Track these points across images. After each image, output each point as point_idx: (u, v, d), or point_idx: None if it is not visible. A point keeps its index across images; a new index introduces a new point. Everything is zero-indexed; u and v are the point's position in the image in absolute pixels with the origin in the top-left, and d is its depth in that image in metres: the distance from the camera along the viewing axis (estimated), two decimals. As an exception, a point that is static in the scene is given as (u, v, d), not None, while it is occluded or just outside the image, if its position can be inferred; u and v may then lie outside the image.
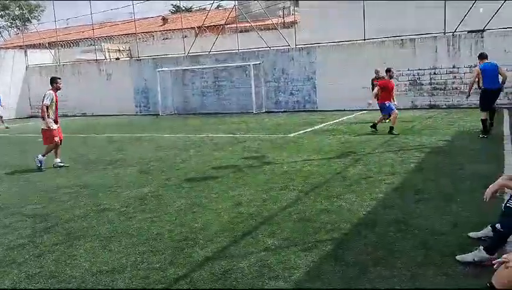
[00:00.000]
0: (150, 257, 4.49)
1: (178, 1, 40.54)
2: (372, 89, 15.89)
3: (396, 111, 12.52)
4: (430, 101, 19.32)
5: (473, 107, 16.84)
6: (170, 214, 5.92)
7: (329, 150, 10.23)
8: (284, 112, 21.86)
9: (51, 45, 30.62)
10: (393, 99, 12.78)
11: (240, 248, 4.60)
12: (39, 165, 9.74)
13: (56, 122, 10.01)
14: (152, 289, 3.84)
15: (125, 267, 4.27)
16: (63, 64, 28.81)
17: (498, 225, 3.85)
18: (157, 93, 24.54)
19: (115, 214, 6.06)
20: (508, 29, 17.80)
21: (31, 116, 28.93)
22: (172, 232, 5.21)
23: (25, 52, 29.81)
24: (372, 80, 16.12)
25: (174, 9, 46.02)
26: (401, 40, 19.79)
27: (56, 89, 9.94)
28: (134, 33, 28.82)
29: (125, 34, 32.72)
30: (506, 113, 14.63)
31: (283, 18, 30.18)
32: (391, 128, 12.27)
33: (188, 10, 43.28)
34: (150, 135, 15.38)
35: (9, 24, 53.17)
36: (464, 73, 18.52)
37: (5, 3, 48.83)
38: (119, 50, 32.24)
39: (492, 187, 3.93)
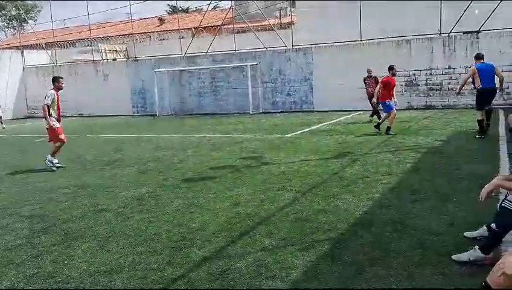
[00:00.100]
0: (147, 257, 4.50)
1: (175, 0, 40.34)
2: (367, 90, 16.00)
3: (395, 111, 12.53)
4: (426, 102, 19.41)
5: (469, 107, 16.93)
6: (168, 215, 5.93)
7: (326, 151, 10.26)
8: (281, 112, 21.89)
9: (47, 46, 30.56)
10: (393, 97, 12.75)
11: (237, 248, 4.62)
12: (51, 165, 9.71)
13: (59, 121, 10.00)
14: (150, 289, 3.86)
15: (123, 268, 4.28)
16: (60, 65, 28.78)
17: (493, 225, 3.88)
18: (154, 93, 24.55)
19: (113, 215, 6.07)
20: (503, 30, 17.90)
21: (28, 117, 28.90)
22: (170, 232, 5.22)
23: (22, 52, 29.76)
24: (364, 80, 16.15)
25: (171, 10, 46.02)
26: (397, 40, 19.87)
27: (58, 88, 9.92)
28: (131, 34, 28.81)
29: (122, 35, 32.69)
30: (501, 113, 14.70)
31: (280, 19, 30.22)
32: (388, 128, 12.29)
33: (185, 11, 43.28)
34: (147, 136, 15.38)
35: (5, 24, 53.10)
36: (460, 74, 18.59)
37: (2, 4, 48.72)
38: (116, 51, 32.22)
39: (487, 187, 3.96)
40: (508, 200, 3.79)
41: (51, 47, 30.59)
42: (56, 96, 9.84)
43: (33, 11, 52.20)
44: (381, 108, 13.14)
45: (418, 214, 5.36)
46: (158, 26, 37.58)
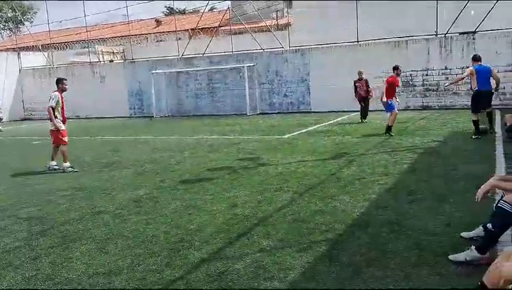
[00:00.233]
0: (146, 259, 4.51)
1: (173, 0, 40.28)
2: (355, 91, 16.06)
3: (397, 111, 12.50)
4: (423, 102, 19.46)
5: (466, 108, 16.97)
6: (165, 216, 5.95)
7: (323, 151, 10.29)
8: (278, 113, 21.92)
9: (44, 47, 30.52)
10: (395, 97, 12.74)
11: (235, 249, 4.63)
12: (71, 170, 9.70)
13: (64, 122, 9.99)
14: (148, 290, 3.88)
15: (122, 270, 4.30)
16: (57, 67, 28.73)
17: (489, 225, 3.91)
18: (151, 95, 24.52)
19: (111, 217, 6.08)
20: (499, 31, 17.97)
21: (24, 119, 28.83)
22: (168, 234, 5.24)
23: (18, 54, 29.69)
24: (355, 82, 16.24)
25: (167, 11, 46.01)
26: (394, 41, 19.92)
27: (62, 90, 9.91)
28: (128, 35, 28.78)
29: (119, 36, 32.67)
30: (498, 114, 14.74)
31: (277, 20, 30.25)
32: (389, 127, 12.23)
33: (182, 12, 43.25)
34: (144, 137, 15.38)
35: (2, 26, 52.95)
36: (456, 74, 18.60)
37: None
38: (113, 52, 32.19)
39: (483, 188, 3.99)
40: (504, 201, 3.82)
41: (48, 49, 30.55)
42: (60, 98, 9.83)
43: (29, 12, 52.07)
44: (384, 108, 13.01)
45: (414, 214, 5.39)
46: (155, 27, 37.56)
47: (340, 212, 5.64)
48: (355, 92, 16.31)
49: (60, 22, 35.34)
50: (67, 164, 9.79)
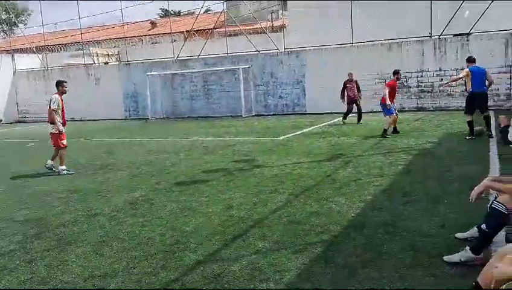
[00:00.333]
0: (141, 261, 4.51)
1: (168, 1, 40.16)
2: (342, 92, 16.21)
3: (395, 115, 12.50)
4: (418, 104, 19.53)
5: (460, 109, 17.06)
6: (161, 218, 5.94)
7: (318, 153, 10.31)
8: (273, 115, 21.94)
9: (38, 50, 30.41)
10: (394, 101, 12.74)
11: (231, 251, 4.64)
12: (67, 172, 9.68)
13: (64, 125, 9.97)
14: (144, 293, 3.88)
15: (117, 272, 4.29)
16: (51, 69, 28.63)
17: (483, 226, 3.94)
18: (147, 97, 24.48)
19: (106, 219, 6.07)
20: (493, 32, 18.08)
21: (19, 121, 28.71)
22: (164, 236, 5.23)
23: (12, 56, 29.56)
24: (345, 83, 16.26)
25: (162, 13, 45.97)
26: (389, 43, 20.00)
27: (62, 92, 9.89)
28: (123, 37, 28.73)
29: (114, 39, 32.61)
30: (492, 115, 14.81)
31: (272, 22, 30.29)
32: (385, 130, 12.19)
33: (177, 14, 43.26)
34: (139, 139, 15.36)
35: (-5, 28, 52.74)
36: (450, 76, 18.69)
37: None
38: (107, 54, 32.11)
39: (477, 189, 4.02)
40: (498, 201, 3.85)
41: (42, 51, 30.44)
42: (60, 100, 9.82)
43: (23, 14, 51.94)
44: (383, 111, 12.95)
45: (409, 216, 5.42)
46: (150, 29, 37.52)
47: (335, 214, 5.66)
48: (342, 94, 16.35)
49: (55, 24, 35.25)
50: (63, 167, 9.77)
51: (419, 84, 19.47)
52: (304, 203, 6.26)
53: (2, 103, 28.45)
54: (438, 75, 19.07)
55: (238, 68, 22.48)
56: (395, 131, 12.67)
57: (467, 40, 18.50)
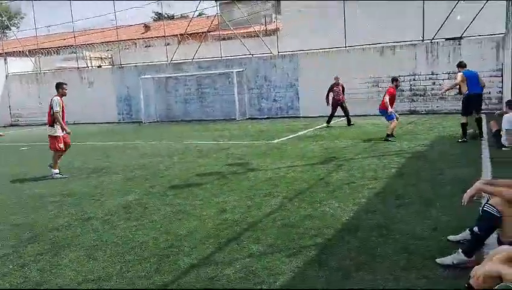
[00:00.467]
0: (135, 265, 4.51)
1: (161, 1, 39.98)
2: (328, 95, 16.67)
3: (395, 120, 12.48)
4: (410, 107, 19.63)
5: (453, 112, 17.20)
6: (155, 222, 5.94)
7: (312, 156, 10.34)
8: (267, 118, 21.98)
9: (31, 53, 30.29)
10: (394, 106, 12.74)
11: (225, 255, 4.64)
12: (60, 176, 9.63)
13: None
14: (138, 296, 3.87)
15: (111, 276, 4.28)
16: (44, 72, 28.51)
17: (476, 228, 3.97)
18: (140, 100, 24.43)
19: (100, 223, 6.06)
20: (484, 36, 18.24)
21: (12, 125, 28.55)
22: (157, 240, 5.23)
23: (5, 60, 29.41)
24: (332, 87, 16.61)
25: (156, 16, 45.93)
26: (382, 47, 20.10)
27: (61, 94, 9.87)
28: (117, 41, 28.68)
29: (107, 42, 32.53)
30: (484, 118, 14.93)
31: (265, 25, 30.37)
32: (388, 135, 12.14)
33: (171, 18, 43.23)
34: (133, 143, 15.33)
35: (-12, 31, 52.42)
36: (443, 79, 18.88)
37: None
38: (101, 58, 32.03)
39: (469, 192, 4.05)
40: (490, 204, 3.88)
41: (35, 54, 30.32)
42: (61, 102, 9.80)
43: (16, 17, 51.73)
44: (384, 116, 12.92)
45: (402, 219, 5.45)
46: (143, 33, 37.51)
47: (329, 217, 5.68)
48: (327, 96, 16.71)
49: (48, 27, 35.08)
50: (56, 171, 9.73)
51: (412, 87, 19.58)
52: (297, 206, 6.28)
53: (-6, 106, 28.31)
54: (430, 78, 19.21)
55: (232, 71, 22.51)
56: (391, 135, 12.72)
57: (459, 44, 18.64)
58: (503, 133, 9.87)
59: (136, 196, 7.50)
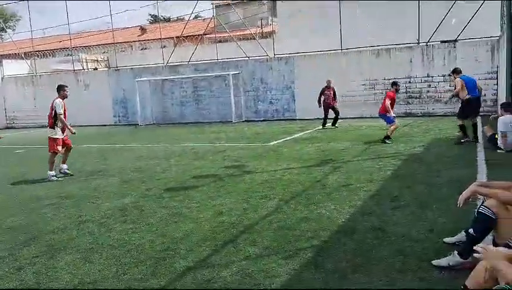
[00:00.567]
0: (131, 268, 4.50)
1: (158, 0, 39.80)
2: (319, 98, 16.89)
3: (396, 123, 12.49)
4: (406, 109, 19.70)
5: (448, 114, 17.26)
6: (151, 225, 5.93)
7: (308, 158, 10.35)
8: (263, 120, 21.99)
9: (27, 55, 30.22)
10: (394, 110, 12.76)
11: (221, 257, 4.64)
12: (55, 179, 9.65)
13: (63, 131, 9.98)
14: (135, 299, 3.86)
15: (107, 279, 4.28)
16: (40, 75, 28.45)
17: (471, 230, 3.99)
18: (136, 103, 24.42)
19: (96, 226, 6.05)
20: (479, 39, 18.34)
21: (7, 127, 28.46)
22: (154, 242, 5.22)
23: (0, 62, 29.33)
24: (323, 90, 16.84)
25: (152, 19, 45.95)
26: (377, 50, 20.17)
27: (63, 96, 9.90)
28: (113, 43, 28.66)
29: (103, 44, 32.50)
30: (479, 120, 14.98)
31: (261, 28, 30.42)
32: (387, 137, 12.14)
33: (167, 20, 43.23)
34: (129, 145, 15.31)
35: (-17, 34, 52.28)
36: (438, 82, 18.97)
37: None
38: (97, 60, 32.00)
39: (464, 194, 4.07)
40: (485, 206, 3.90)
41: (30, 56, 30.25)
42: (63, 104, 9.83)
43: (12, 20, 51.59)
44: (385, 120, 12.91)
45: (398, 221, 5.46)
46: (139, 35, 37.49)
47: (325, 219, 5.69)
48: (319, 99, 16.95)
49: (43, 29, 35.05)
50: (52, 173, 9.72)
51: (408, 90, 19.64)
52: (294, 208, 6.28)
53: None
54: (426, 81, 19.29)
55: (228, 74, 22.53)
56: (386, 138, 12.72)
57: (454, 47, 18.73)
58: (498, 136, 9.91)
59: (133, 198, 7.49)
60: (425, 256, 4.31)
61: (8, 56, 30.97)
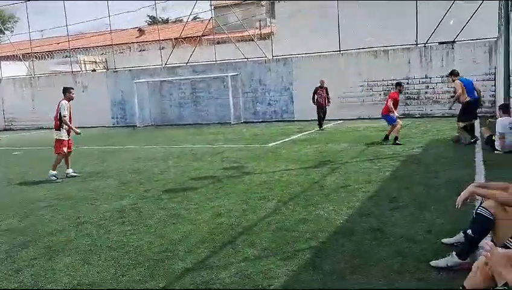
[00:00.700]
0: (130, 270, 4.49)
1: (157, 1, 39.75)
2: (313, 97, 17.05)
3: (399, 122, 12.42)
4: (404, 110, 19.70)
5: (446, 116, 17.29)
6: (149, 226, 5.93)
7: (307, 160, 10.36)
8: (262, 122, 22.00)
9: (25, 57, 30.19)
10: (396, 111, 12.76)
11: (220, 259, 4.64)
12: (55, 179, 9.68)
13: (69, 133, 10.05)
14: (133, 301, 3.86)
15: (106, 281, 4.27)
16: (38, 77, 28.42)
17: (469, 231, 3.99)
18: (134, 104, 24.40)
19: (94, 227, 6.04)
20: (476, 40, 18.38)
21: (5, 129, 28.41)
22: (152, 244, 5.22)
23: (-1, 64, 29.34)
24: (317, 90, 17.02)
25: (150, 20, 45.93)
26: (375, 51, 20.20)
27: (68, 98, 9.95)
28: (111, 44, 28.65)
29: (102, 46, 32.49)
30: (476, 122, 15.01)
31: (260, 29, 30.45)
32: (396, 138, 12.09)
33: (165, 22, 43.24)
34: (128, 147, 15.30)
35: (-19, 35, 52.20)
36: (436, 83, 19.01)
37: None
38: (95, 62, 31.98)
39: (463, 195, 4.07)
40: (483, 207, 3.90)
41: (28, 58, 30.22)
42: (69, 106, 9.89)
43: (10, 21, 51.51)
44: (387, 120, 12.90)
45: (396, 222, 5.46)
46: (138, 37, 37.48)
47: (323, 220, 5.69)
48: (313, 98, 17.12)
49: (41, 31, 35.01)
50: (54, 172, 9.76)
51: (406, 91, 19.61)
52: (292, 210, 6.28)
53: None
54: (424, 82, 19.33)
55: (227, 75, 22.54)
56: (386, 138, 12.73)
57: (452, 48, 18.77)
58: (496, 137, 9.92)
59: (131, 200, 7.48)
60: (423, 257, 4.31)
61: (6, 58, 30.93)
